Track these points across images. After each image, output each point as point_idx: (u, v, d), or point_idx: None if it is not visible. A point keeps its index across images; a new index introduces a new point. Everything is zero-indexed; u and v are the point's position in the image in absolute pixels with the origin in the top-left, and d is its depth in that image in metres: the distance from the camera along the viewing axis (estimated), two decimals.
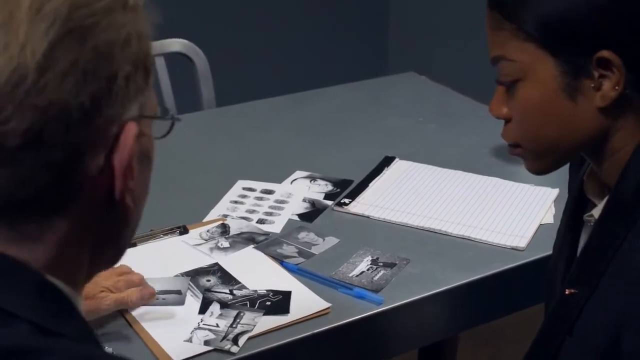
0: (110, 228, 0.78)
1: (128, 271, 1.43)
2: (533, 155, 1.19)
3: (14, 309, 0.68)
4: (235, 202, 1.77)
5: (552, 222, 1.71)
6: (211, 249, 1.58)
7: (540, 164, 1.19)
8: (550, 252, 1.56)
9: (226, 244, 1.60)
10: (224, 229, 1.65)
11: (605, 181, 1.19)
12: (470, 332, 2.43)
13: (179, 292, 1.46)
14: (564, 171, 1.46)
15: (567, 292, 1.18)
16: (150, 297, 1.40)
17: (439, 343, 2.15)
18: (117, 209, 0.76)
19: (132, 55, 0.72)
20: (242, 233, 1.64)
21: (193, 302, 1.44)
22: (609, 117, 1.10)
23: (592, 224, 1.19)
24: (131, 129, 0.73)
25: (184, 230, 1.62)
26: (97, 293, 1.35)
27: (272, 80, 3.32)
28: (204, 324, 1.38)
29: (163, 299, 1.44)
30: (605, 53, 1.05)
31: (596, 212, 1.18)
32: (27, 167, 0.68)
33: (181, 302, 1.44)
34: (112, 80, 0.70)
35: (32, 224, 0.71)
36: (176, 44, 2.45)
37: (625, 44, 1.06)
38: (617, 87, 1.07)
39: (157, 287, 1.45)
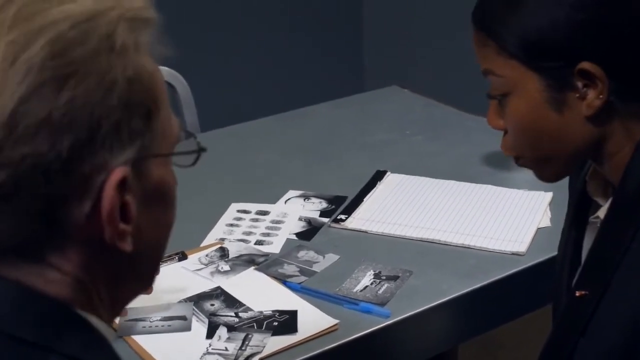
0: (120, 266, 0.76)
1: None
2: (535, 165, 1.20)
3: (45, 342, 0.68)
4: (231, 225, 1.76)
5: (550, 225, 1.71)
6: (212, 273, 1.57)
7: (545, 172, 1.21)
8: (550, 254, 1.58)
9: (227, 267, 1.59)
10: (223, 253, 1.64)
11: (610, 180, 1.19)
12: (469, 342, 2.43)
13: (184, 318, 1.45)
14: None
15: (577, 294, 1.18)
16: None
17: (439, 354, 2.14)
18: (117, 252, 0.73)
19: (121, 101, 0.69)
20: (241, 255, 1.63)
21: (199, 327, 1.43)
22: (597, 125, 1.12)
23: (598, 225, 1.20)
24: (114, 176, 0.70)
25: (182, 256, 1.61)
26: None
27: (252, 102, 3.32)
28: (212, 349, 1.37)
29: (169, 325, 1.43)
30: (585, 65, 1.07)
31: (602, 212, 1.18)
32: (9, 218, 0.68)
33: (187, 328, 1.43)
34: (94, 130, 0.68)
35: (38, 264, 0.71)
36: None
37: (604, 54, 1.08)
38: (601, 96, 1.08)
39: (162, 315, 1.45)
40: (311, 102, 2.46)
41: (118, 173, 0.70)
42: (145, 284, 0.81)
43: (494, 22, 1.12)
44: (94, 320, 0.74)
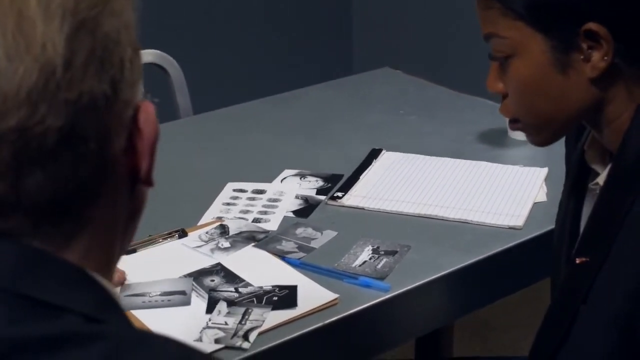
0: (133, 212, 0.78)
1: None
2: (532, 129, 1.21)
3: (61, 302, 0.68)
4: (228, 204, 1.76)
5: (546, 200, 1.72)
6: (212, 250, 1.57)
7: (540, 137, 1.21)
8: (546, 228, 1.58)
9: (227, 244, 1.59)
10: (223, 230, 1.64)
11: (608, 148, 1.19)
12: (461, 323, 2.44)
13: (183, 293, 1.45)
14: (552, 151, 1.48)
15: (577, 261, 1.18)
16: (122, 280, 1.44)
17: (436, 334, 2.15)
18: (137, 194, 0.77)
19: (131, 39, 0.73)
20: (241, 232, 1.63)
21: (199, 302, 1.43)
22: (600, 88, 1.12)
23: (597, 192, 1.20)
24: (150, 108, 0.74)
25: (182, 234, 1.61)
26: None
27: (243, 86, 3.31)
28: (212, 323, 1.37)
29: (168, 300, 1.43)
30: (591, 25, 1.07)
31: (601, 179, 1.18)
32: (66, 163, 0.68)
33: (187, 303, 1.43)
34: (122, 65, 0.71)
35: (70, 220, 0.71)
36: (149, 55, 2.43)
37: (611, 14, 1.08)
38: (606, 58, 1.09)
39: (161, 289, 1.45)
40: (301, 84, 2.46)
41: (149, 104, 0.74)
42: (135, 231, 0.82)
43: None
44: (105, 282, 0.74)
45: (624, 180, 1.14)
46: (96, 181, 0.71)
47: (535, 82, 1.14)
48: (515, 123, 1.22)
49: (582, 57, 1.10)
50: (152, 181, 0.76)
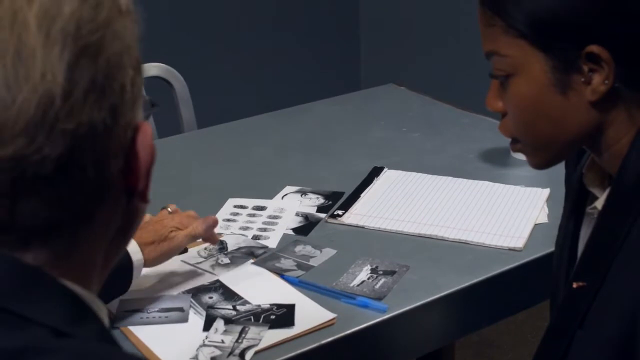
0: (125, 226, 0.78)
1: (184, 213, 1.57)
2: (532, 150, 1.19)
3: (30, 314, 0.68)
4: (228, 220, 1.76)
5: (547, 221, 1.71)
6: (212, 266, 1.58)
7: (540, 158, 1.20)
8: (547, 250, 1.58)
9: (226, 260, 1.59)
10: (222, 245, 1.64)
11: (607, 171, 1.19)
12: (463, 343, 2.44)
13: (181, 310, 1.45)
14: (554, 172, 1.47)
15: (574, 286, 1.18)
16: (214, 224, 1.54)
17: (437, 353, 2.14)
18: (131, 208, 0.76)
19: (133, 60, 0.72)
20: (240, 248, 1.64)
21: (196, 319, 1.43)
22: (601, 111, 1.11)
23: (595, 216, 1.20)
24: (147, 129, 0.74)
25: (183, 250, 1.61)
26: (167, 234, 1.48)
27: (249, 100, 3.32)
28: (209, 341, 1.37)
29: (166, 317, 1.43)
30: (593, 48, 1.06)
31: (599, 203, 1.18)
32: (63, 190, 0.68)
33: (184, 320, 1.43)
34: (123, 89, 0.70)
35: (64, 241, 0.71)
36: (154, 68, 2.44)
37: (614, 38, 1.07)
38: (606, 82, 1.07)
39: (159, 305, 1.45)
40: (307, 100, 2.46)
41: (147, 125, 0.74)
42: (124, 250, 0.83)
43: (502, 3, 1.11)
44: (85, 293, 0.73)
45: (622, 205, 1.13)
46: (92, 203, 0.71)
47: (535, 102, 1.13)
48: (515, 144, 1.21)
49: (582, 79, 1.09)
50: (147, 198, 0.76)
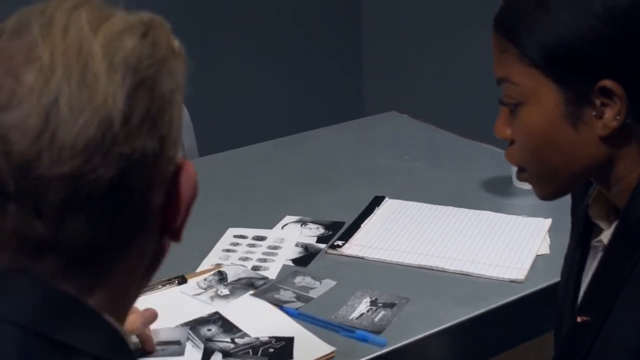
0: (154, 262, 0.81)
1: None
2: (538, 180, 1.16)
3: (74, 342, 0.71)
4: (228, 250, 1.75)
5: (549, 252, 1.70)
6: (212, 298, 1.57)
7: (546, 189, 1.17)
8: (549, 282, 1.57)
9: (226, 291, 1.58)
10: (222, 276, 1.63)
11: (614, 204, 1.18)
12: None
13: (178, 343, 1.44)
14: (557, 201, 1.45)
15: (579, 320, 1.16)
16: (154, 318, 1.42)
17: None
18: (162, 245, 0.79)
19: (182, 98, 0.77)
20: (240, 279, 1.62)
21: (194, 352, 1.42)
22: (611, 146, 1.09)
23: (600, 249, 1.18)
24: (191, 167, 0.77)
25: (182, 280, 1.60)
26: None
27: (251, 128, 3.32)
28: None
29: (162, 350, 1.42)
30: (607, 82, 1.04)
31: (605, 237, 1.16)
32: (110, 212, 0.71)
33: (181, 353, 1.42)
34: (171, 124, 0.74)
35: (100, 267, 0.74)
36: None
37: (629, 73, 1.05)
38: (618, 117, 1.06)
39: (156, 339, 1.44)
40: (310, 127, 2.46)
41: (190, 165, 0.77)
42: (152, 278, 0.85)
43: (517, 27, 1.09)
44: (118, 326, 0.76)
45: (628, 239, 1.11)
46: (132, 231, 0.74)
47: (545, 133, 1.10)
48: (522, 172, 1.19)
49: (594, 113, 1.07)
50: (180, 237, 0.79)
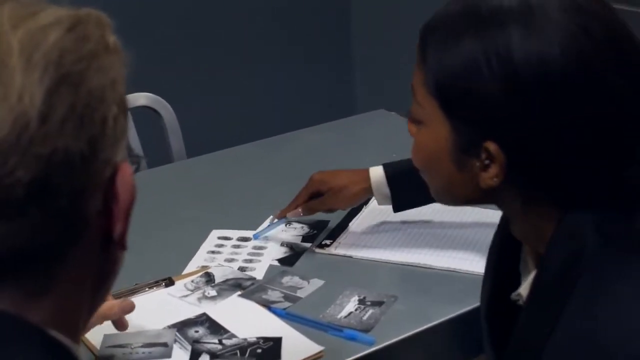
0: (104, 274, 0.77)
1: None
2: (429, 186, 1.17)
3: None
4: (213, 252, 1.74)
5: None
6: (199, 299, 1.55)
7: (436, 196, 1.17)
8: None
9: (213, 292, 1.57)
10: (209, 278, 1.62)
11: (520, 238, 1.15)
12: None
13: (165, 345, 1.42)
14: None
15: None
16: (131, 308, 1.41)
17: None
18: (110, 256, 0.76)
19: (117, 97, 0.72)
20: (227, 280, 1.61)
21: (182, 354, 1.40)
22: (491, 194, 1.07)
23: (520, 302, 1.14)
24: (127, 170, 0.73)
25: (169, 283, 1.59)
26: None
27: (239, 128, 3.30)
28: None
29: (149, 352, 1.41)
30: (490, 144, 1.01)
31: (523, 290, 1.13)
32: (34, 218, 0.67)
33: (167, 355, 1.41)
34: (105, 123, 0.70)
35: (36, 278, 0.70)
36: (142, 98, 2.42)
37: (509, 141, 1.01)
38: (495, 179, 1.03)
39: (142, 341, 1.43)
40: (300, 127, 2.44)
41: (127, 166, 0.73)
42: (104, 300, 0.81)
43: (427, 49, 1.06)
44: (69, 343, 0.73)
45: (545, 299, 1.06)
46: (65, 240, 0.70)
47: (432, 158, 1.09)
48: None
49: (478, 164, 1.04)
50: (125, 244, 0.75)
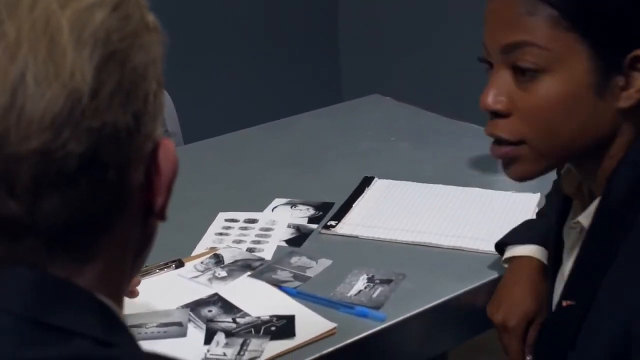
0: (143, 243, 0.80)
1: None
2: (535, 156, 1.11)
3: (71, 326, 0.69)
4: (221, 234, 1.76)
5: None
6: (210, 280, 1.57)
7: (536, 167, 1.13)
8: None
9: (223, 273, 1.59)
10: (218, 259, 1.64)
11: (588, 184, 1.17)
12: (454, 348, 2.43)
13: (180, 324, 1.44)
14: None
15: (564, 304, 1.15)
16: (136, 283, 1.44)
17: None
18: (150, 225, 0.78)
19: (157, 74, 0.75)
20: (236, 261, 1.63)
21: (197, 333, 1.42)
22: (624, 119, 1.08)
23: (578, 230, 1.17)
24: (170, 145, 0.76)
25: (179, 264, 1.61)
26: None
27: (232, 115, 3.32)
28: (211, 354, 1.36)
29: (164, 332, 1.43)
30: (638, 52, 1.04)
31: (583, 219, 1.15)
32: (84, 190, 0.69)
33: (183, 334, 1.42)
34: (147, 99, 0.73)
35: (83, 247, 0.72)
36: None
37: None
38: None
39: (157, 321, 1.44)
40: (290, 113, 2.46)
41: (170, 142, 0.76)
42: (144, 262, 0.84)
43: None
44: (114, 306, 0.75)
45: (610, 222, 1.10)
46: (111, 211, 0.72)
47: (567, 102, 1.06)
48: (503, 146, 1.12)
49: (621, 83, 1.05)
50: (165, 216, 0.78)
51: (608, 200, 1.10)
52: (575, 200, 1.22)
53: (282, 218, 1.81)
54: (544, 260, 1.42)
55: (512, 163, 1.13)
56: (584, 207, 1.17)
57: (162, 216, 0.78)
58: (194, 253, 1.68)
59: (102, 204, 0.71)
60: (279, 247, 1.70)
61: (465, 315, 1.57)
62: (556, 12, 1.05)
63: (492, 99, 1.10)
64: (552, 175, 1.56)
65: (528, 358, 1.37)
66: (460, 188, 1.90)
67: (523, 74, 1.08)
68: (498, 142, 1.13)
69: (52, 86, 0.67)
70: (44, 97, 0.66)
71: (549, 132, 1.09)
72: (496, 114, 1.11)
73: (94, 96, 0.68)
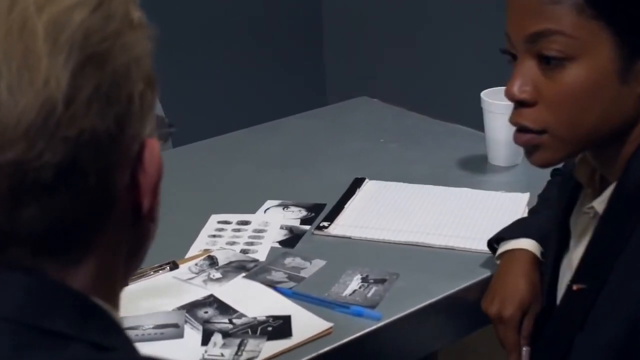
0: (136, 246, 0.79)
1: None
2: (558, 143, 1.13)
3: (68, 331, 0.69)
4: (214, 236, 1.77)
5: None
6: (205, 281, 1.58)
7: (558, 153, 1.15)
8: None
9: (218, 275, 1.60)
10: (212, 261, 1.64)
11: (602, 172, 1.20)
12: (445, 348, 2.45)
13: (176, 326, 1.45)
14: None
15: (575, 288, 1.17)
16: None
17: None
18: (142, 226, 0.77)
19: (143, 73, 0.73)
20: (231, 262, 1.64)
21: (193, 334, 1.43)
22: None
23: (592, 215, 1.20)
24: (154, 145, 0.74)
25: (174, 266, 1.61)
26: None
27: (220, 117, 3.32)
28: (208, 355, 1.37)
29: (161, 333, 1.43)
30: None
31: (597, 204, 1.17)
32: (64, 197, 0.68)
33: (180, 336, 1.43)
34: (130, 100, 0.71)
35: (71, 251, 0.71)
36: None
37: None
38: None
39: (153, 322, 1.45)
40: (276, 116, 2.47)
41: (154, 142, 0.74)
42: (136, 270, 0.83)
43: None
44: (110, 309, 0.75)
45: (625, 208, 1.13)
46: (96, 215, 0.71)
47: (592, 90, 1.09)
48: (526, 134, 1.14)
49: None
50: (154, 218, 0.77)
51: (625, 185, 1.12)
52: (587, 189, 1.24)
53: (274, 219, 1.82)
54: (538, 254, 1.44)
55: (535, 150, 1.16)
56: (595, 196, 1.19)
57: (151, 218, 0.77)
58: (188, 255, 1.69)
59: (85, 209, 0.70)
60: (272, 248, 1.71)
61: (461, 313, 1.59)
62: (581, 0, 1.07)
63: (517, 88, 1.12)
64: (543, 175, 1.59)
65: (524, 349, 1.38)
66: (451, 188, 1.91)
67: (548, 63, 1.10)
68: (521, 130, 1.15)
69: (26, 95, 0.65)
70: (17, 106, 0.65)
71: (573, 120, 1.11)
72: (521, 103, 1.13)
73: (69, 104, 0.66)
